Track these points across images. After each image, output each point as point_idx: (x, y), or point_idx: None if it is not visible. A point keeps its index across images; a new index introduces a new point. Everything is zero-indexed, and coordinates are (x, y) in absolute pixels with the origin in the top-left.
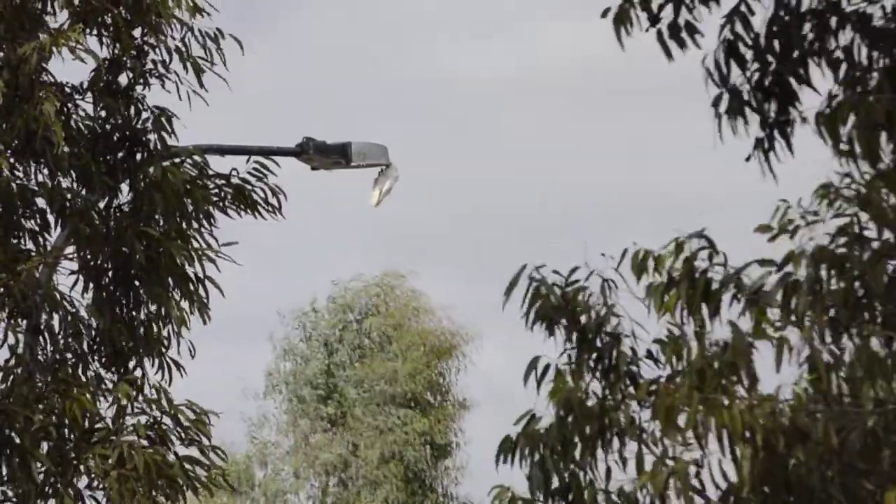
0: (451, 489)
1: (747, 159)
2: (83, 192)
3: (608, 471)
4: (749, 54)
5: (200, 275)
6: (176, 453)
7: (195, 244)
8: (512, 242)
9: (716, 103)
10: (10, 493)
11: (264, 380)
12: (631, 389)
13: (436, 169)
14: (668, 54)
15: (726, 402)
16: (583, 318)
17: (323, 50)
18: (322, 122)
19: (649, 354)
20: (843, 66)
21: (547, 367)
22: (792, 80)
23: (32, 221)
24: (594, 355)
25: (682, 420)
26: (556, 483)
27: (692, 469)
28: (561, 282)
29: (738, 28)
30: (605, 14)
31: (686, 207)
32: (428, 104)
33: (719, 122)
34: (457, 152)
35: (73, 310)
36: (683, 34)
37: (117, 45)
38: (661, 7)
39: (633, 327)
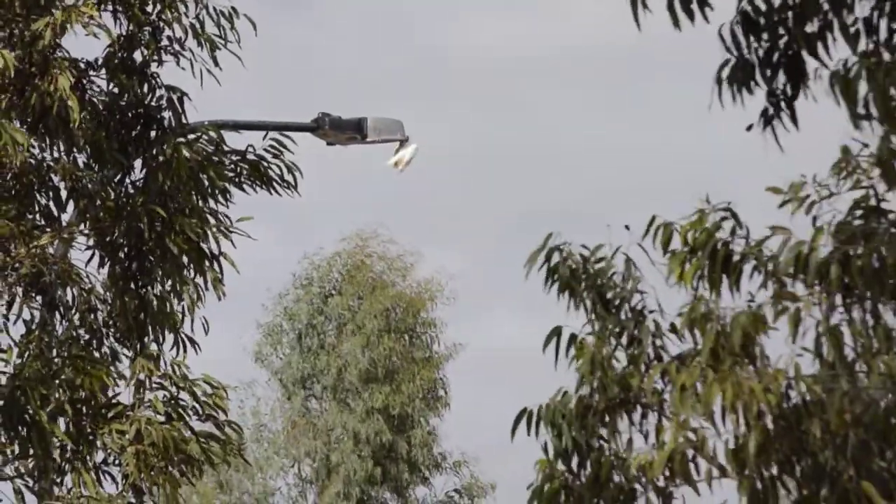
0: (420, 454)
1: (748, 129)
2: (97, 168)
3: (629, 441)
4: (763, 26)
5: (215, 251)
6: (192, 428)
7: (210, 220)
8: (532, 221)
9: (720, 70)
10: (26, 469)
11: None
12: (655, 362)
13: (457, 145)
14: (677, 24)
15: (738, 380)
16: (608, 294)
17: (348, 25)
18: (344, 96)
19: (673, 328)
20: (862, 40)
21: (572, 336)
22: (804, 54)
23: (46, 198)
24: (617, 329)
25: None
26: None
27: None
28: (586, 255)
29: None
30: None
31: (714, 185)
32: (452, 80)
33: (720, 88)
34: (479, 129)
35: (88, 286)
36: (693, 5)
37: (131, 21)
38: None
39: (658, 302)
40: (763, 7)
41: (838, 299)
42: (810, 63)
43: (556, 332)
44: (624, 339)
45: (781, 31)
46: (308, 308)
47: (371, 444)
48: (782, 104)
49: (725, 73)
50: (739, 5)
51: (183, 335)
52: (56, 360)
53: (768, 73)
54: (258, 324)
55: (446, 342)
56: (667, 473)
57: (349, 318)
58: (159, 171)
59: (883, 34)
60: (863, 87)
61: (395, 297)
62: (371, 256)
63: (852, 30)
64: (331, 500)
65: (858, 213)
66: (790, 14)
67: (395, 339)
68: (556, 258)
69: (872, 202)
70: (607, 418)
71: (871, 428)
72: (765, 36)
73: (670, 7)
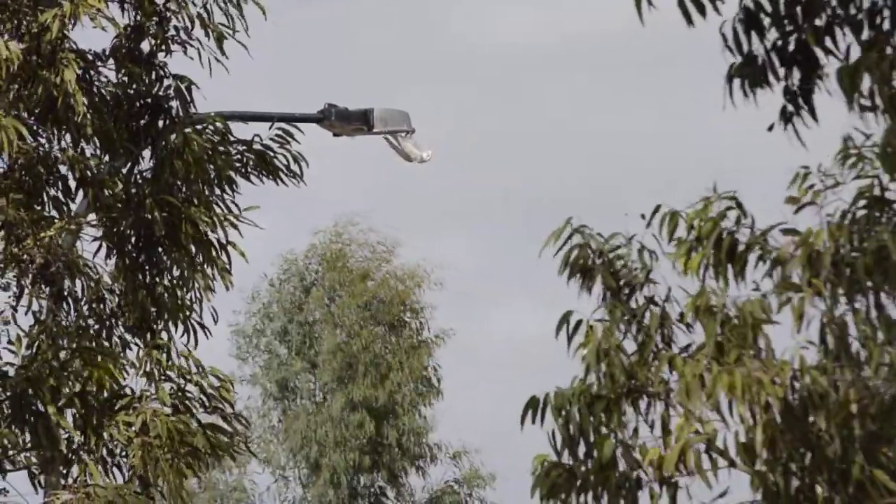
0: (411, 442)
1: (770, 129)
2: (105, 158)
3: (635, 430)
4: (768, 23)
5: (223, 240)
6: (199, 420)
7: (217, 210)
8: (539, 211)
9: (731, 72)
10: (35, 460)
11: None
12: (663, 351)
13: (467, 135)
14: (689, 20)
15: (746, 371)
16: (621, 280)
17: (356, 16)
18: (350, 87)
19: (682, 318)
20: (865, 30)
21: (579, 322)
22: (815, 48)
23: (55, 188)
24: (627, 317)
25: (705, 390)
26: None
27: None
28: (601, 241)
29: None
30: None
31: (722, 175)
32: (460, 70)
33: (730, 88)
34: (488, 119)
35: (97, 276)
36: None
37: (139, 11)
38: None
39: (669, 292)
40: (766, 3)
41: (841, 290)
42: (822, 57)
43: (566, 318)
44: (633, 328)
45: (790, 26)
46: (283, 310)
47: (356, 437)
48: (800, 100)
49: (735, 71)
50: (742, 1)
51: (193, 322)
52: (65, 350)
53: (783, 69)
54: (230, 325)
55: (436, 329)
56: (679, 468)
57: (327, 315)
58: (169, 160)
59: (886, 24)
60: (867, 80)
61: (378, 287)
62: (350, 245)
63: (857, 18)
64: (319, 492)
65: (863, 203)
66: (798, 9)
67: (376, 330)
68: (575, 240)
69: (877, 192)
70: (614, 407)
71: (878, 419)
72: (772, 32)
73: (680, 3)
